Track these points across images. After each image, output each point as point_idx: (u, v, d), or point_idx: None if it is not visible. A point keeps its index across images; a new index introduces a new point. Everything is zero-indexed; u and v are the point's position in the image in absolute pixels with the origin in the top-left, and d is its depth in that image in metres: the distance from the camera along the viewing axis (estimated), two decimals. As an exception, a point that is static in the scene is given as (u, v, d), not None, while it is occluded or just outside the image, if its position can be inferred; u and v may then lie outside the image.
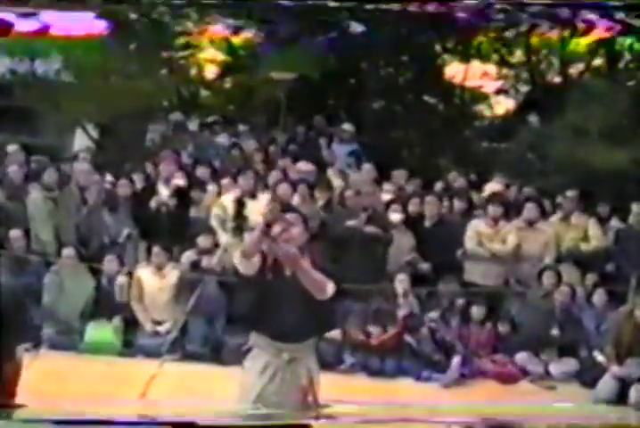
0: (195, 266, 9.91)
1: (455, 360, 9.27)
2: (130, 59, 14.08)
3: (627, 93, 13.75)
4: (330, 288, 5.43)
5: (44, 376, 7.79)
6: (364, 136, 14.06)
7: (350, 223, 10.03)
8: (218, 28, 16.05)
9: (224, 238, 10.05)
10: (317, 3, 13.13)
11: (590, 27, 16.14)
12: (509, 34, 16.56)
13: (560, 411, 8.26)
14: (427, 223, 10.46)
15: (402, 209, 10.43)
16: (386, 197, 11.00)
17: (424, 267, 10.26)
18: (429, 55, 16.42)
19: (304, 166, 11.48)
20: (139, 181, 11.14)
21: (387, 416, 6.85)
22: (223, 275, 9.67)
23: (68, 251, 9.72)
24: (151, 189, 10.96)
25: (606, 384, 8.93)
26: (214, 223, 10.23)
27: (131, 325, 9.66)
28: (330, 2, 13.21)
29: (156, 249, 9.77)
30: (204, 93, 16.59)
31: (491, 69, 16.94)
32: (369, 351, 9.40)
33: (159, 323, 9.64)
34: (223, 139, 13.62)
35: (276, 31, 15.30)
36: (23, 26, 14.06)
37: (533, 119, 14.57)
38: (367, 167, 11.77)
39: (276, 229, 5.32)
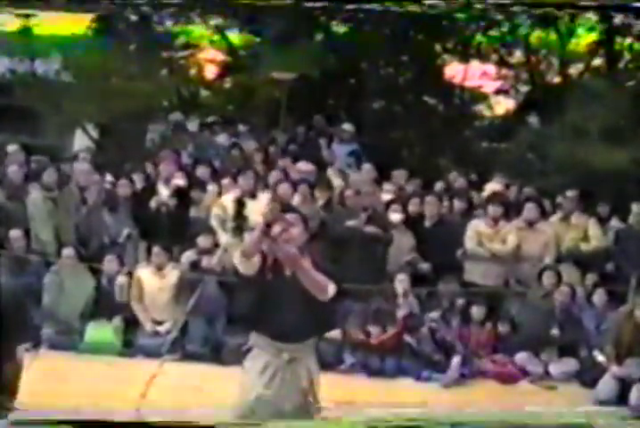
0: (195, 266, 9.91)
1: (455, 360, 9.27)
2: (130, 59, 14.08)
3: (626, 93, 13.76)
4: (331, 289, 5.43)
5: (44, 376, 7.79)
6: (364, 136, 14.06)
7: (350, 223, 10.03)
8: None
9: (224, 238, 10.05)
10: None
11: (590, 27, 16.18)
12: (509, 34, 16.59)
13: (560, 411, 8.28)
14: (427, 223, 10.47)
15: (402, 209, 10.43)
16: (386, 197, 11.00)
17: (424, 267, 10.26)
18: (429, 55, 16.43)
19: (304, 166, 11.48)
20: (139, 181, 11.14)
21: (387, 416, 6.86)
22: (223, 275, 9.67)
23: (68, 251, 9.72)
24: (151, 189, 10.96)
25: (606, 384, 8.93)
26: (214, 223, 10.23)
27: (131, 325, 9.65)
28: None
29: (156, 249, 9.77)
30: (204, 93, 16.60)
31: (491, 69, 16.95)
32: (369, 351, 9.39)
33: (159, 323, 9.64)
34: (223, 139, 13.62)
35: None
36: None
37: (533, 119, 14.59)
38: (367, 167, 11.77)
39: (276, 229, 5.32)
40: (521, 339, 9.59)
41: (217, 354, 9.38)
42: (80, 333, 9.51)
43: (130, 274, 9.82)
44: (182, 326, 9.52)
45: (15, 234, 9.83)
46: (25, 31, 14.38)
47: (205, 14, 16.07)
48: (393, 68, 16.55)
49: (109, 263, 9.85)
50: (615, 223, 11.08)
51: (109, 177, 11.39)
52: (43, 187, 10.30)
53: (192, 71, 16.17)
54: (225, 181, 10.98)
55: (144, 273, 9.73)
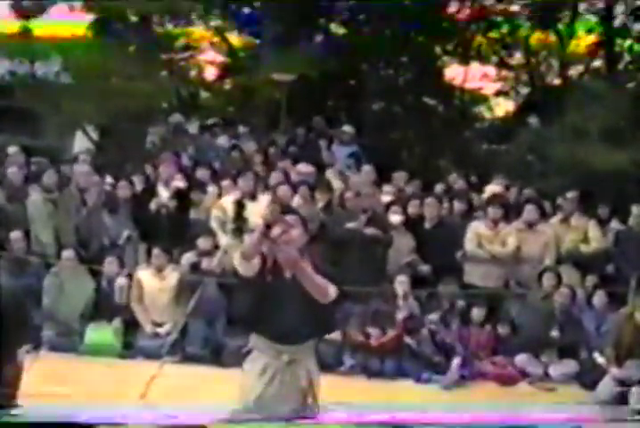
0: (195, 267, 9.91)
1: (455, 362, 9.27)
2: (130, 61, 14.09)
3: (626, 94, 13.78)
4: (332, 291, 5.43)
5: (44, 378, 7.78)
6: (364, 138, 14.08)
7: (350, 225, 10.02)
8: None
9: (224, 240, 10.04)
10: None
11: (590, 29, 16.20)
12: (509, 36, 16.62)
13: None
14: (427, 225, 10.46)
15: (402, 210, 10.43)
16: (386, 199, 11.00)
17: (424, 268, 10.26)
18: (429, 57, 16.45)
19: (304, 167, 11.48)
20: (139, 183, 11.14)
21: (386, 418, 6.85)
22: (223, 277, 9.67)
23: (68, 253, 9.72)
24: (151, 191, 10.96)
25: (606, 386, 8.92)
26: (214, 225, 10.23)
27: (131, 326, 9.65)
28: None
29: (156, 250, 9.77)
30: (204, 94, 16.64)
31: (491, 70, 16.99)
32: (369, 353, 9.39)
33: (159, 324, 9.64)
34: (223, 141, 13.62)
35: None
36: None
37: (533, 120, 14.58)
38: (367, 168, 11.77)
39: (276, 231, 5.32)
40: (520, 340, 9.59)
41: (217, 356, 9.38)
42: (80, 335, 9.50)
43: (130, 275, 9.82)
44: (182, 328, 9.51)
45: (15, 235, 9.83)
46: (25, 33, 14.40)
47: (205, 16, 16.10)
48: (393, 69, 16.59)
49: (109, 265, 9.85)
50: (615, 224, 11.08)
51: (109, 179, 11.40)
52: (43, 189, 10.31)
53: (192, 73, 16.22)
54: (225, 183, 10.98)
55: (144, 274, 9.73)
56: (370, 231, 10.00)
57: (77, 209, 10.44)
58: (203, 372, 9.07)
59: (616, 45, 16.05)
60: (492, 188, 11.80)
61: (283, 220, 5.41)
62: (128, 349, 9.53)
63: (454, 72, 16.77)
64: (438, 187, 11.83)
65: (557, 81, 16.79)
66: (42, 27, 14.46)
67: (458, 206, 10.93)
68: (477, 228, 10.27)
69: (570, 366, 9.44)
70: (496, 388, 9.27)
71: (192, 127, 14.58)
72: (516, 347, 9.56)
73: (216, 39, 16.41)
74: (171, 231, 10.37)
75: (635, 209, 10.75)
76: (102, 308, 9.73)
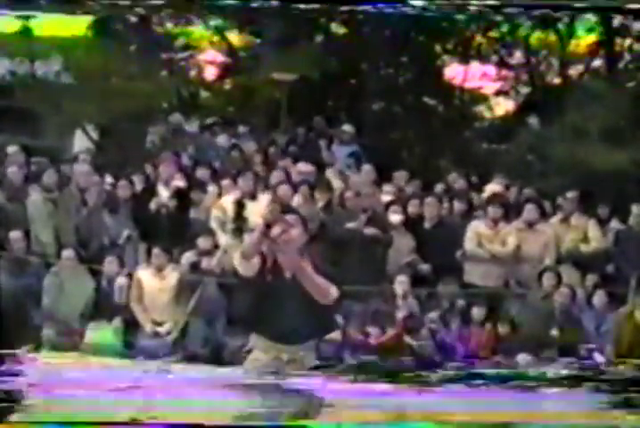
0: (195, 267, 9.92)
1: (456, 361, 9.27)
2: (130, 60, 14.09)
3: (626, 94, 13.77)
4: (333, 292, 5.42)
5: (44, 377, 7.78)
6: (364, 138, 14.06)
7: (350, 224, 10.03)
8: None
9: (224, 239, 10.05)
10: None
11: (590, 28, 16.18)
12: (509, 35, 16.60)
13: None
14: (427, 224, 10.47)
15: (402, 210, 10.43)
16: (386, 198, 11.00)
17: (424, 268, 10.26)
18: (429, 56, 16.44)
19: (304, 167, 11.47)
20: (139, 182, 11.14)
21: (386, 417, 6.85)
22: (223, 277, 9.67)
23: (68, 253, 9.72)
24: (151, 190, 10.96)
25: (606, 386, 8.92)
26: (214, 224, 10.24)
27: (131, 326, 9.65)
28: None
29: (156, 250, 9.77)
30: (204, 94, 16.61)
31: (491, 70, 16.96)
32: (369, 352, 9.39)
33: (159, 324, 9.64)
34: (223, 140, 13.61)
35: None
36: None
37: (533, 120, 14.58)
38: (367, 168, 11.76)
39: (276, 230, 5.32)
40: (521, 340, 9.59)
41: (217, 355, 9.38)
42: (80, 335, 9.51)
43: (130, 275, 9.82)
44: (182, 328, 9.52)
45: (15, 235, 9.83)
46: (25, 32, 14.40)
47: (205, 15, 16.08)
48: (393, 69, 16.56)
49: (109, 264, 9.85)
50: (615, 224, 11.08)
51: (109, 179, 11.39)
52: (43, 188, 10.31)
53: (192, 73, 16.19)
54: (225, 182, 10.98)
55: (144, 274, 9.73)
56: (370, 231, 10.01)
57: (77, 209, 10.44)
58: (203, 371, 9.07)
59: (616, 44, 16.05)
60: (492, 188, 11.80)
61: (282, 220, 5.40)
62: (128, 348, 9.53)
63: (453, 72, 16.75)
64: (439, 187, 11.83)
65: (557, 81, 16.76)
66: (42, 26, 14.45)
67: (458, 206, 10.93)
68: (477, 228, 10.27)
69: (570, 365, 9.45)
70: (496, 387, 9.26)
71: (192, 127, 14.57)
72: (516, 346, 9.56)
73: (216, 39, 16.40)
74: (171, 231, 10.37)
75: (635, 208, 10.75)
76: (102, 307, 9.73)
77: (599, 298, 9.88)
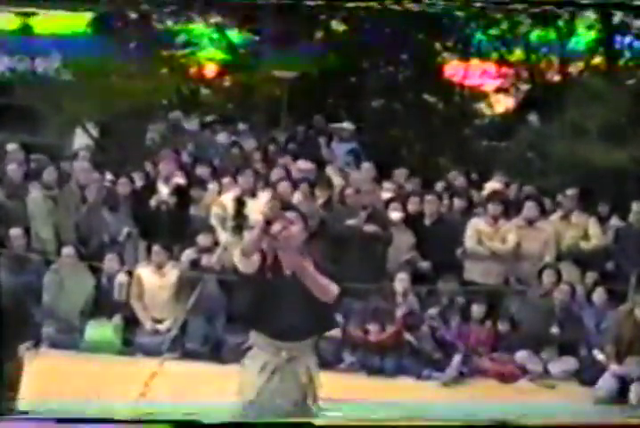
0: (195, 264, 9.92)
1: (456, 359, 9.27)
2: (130, 58, 14.08)
3: (626, 91, 13.75)
4: (335, 291, 5.42)
5: (44, 375, 7.79)
6: (363, 135, 14.08)
7: (350, 222, 10.02)
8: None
9: (224, 237, 10.05)
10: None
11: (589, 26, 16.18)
12: (509, 33, 16.60)
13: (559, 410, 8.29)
14: (427, 221, 10.47)
15: (402, 207, 10.43)
16: (386, 196, 11.00)
17: (424, 265, 10.26)
18: (428, 54, 16.44)
19: (303, 164, 11.48)
20: (139, 180, 11.15)
21: (386, 415, 6.87)
22: (223, 274, 9.67)
23: (68, 250, 9.72)
24: (151, 188, 10.97)
25: (606, 383, 8.93)
26: (214, 221, 10.24)
27: (131, 323, 9.66)
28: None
29: (156, 247, 9.78)
30: (204, 91, 16.61)
31: (491, 67, 16.95)
32: (369, 350, 9.40)
33: (159, 321, 9.64)
34: (223, 138, 13.62)
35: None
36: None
37: (533, 117, 14.58)
38: (367, 165, 11.76)
39: (276, 227, 5.32)
40: (520, 337, 9.59)
41: (216, 352, 9.39)
42: (80, 332, 9.52)
43: (130, 272, 9.83)
44: (182, 325, 9.52)
45: (15, 232, 9.83)
46: (25, 30, 14.39)
47: (205, 13, 16.08)
48: (393, 66, 16.57)
49: (109, 262, 9.86)
50: (615, 221, 11.08)
51: (109, 176, 11.40)
52: (43, 186, 10.31)
53: (192, 70, 16.18)
54: (225, 180, 10.98)
55: (144, 271, 9.74)
56: (370, 228, 10.00)
57: (77, 206, 10.45)
58: (203, 368, 9.08)
59: (616, 42, 16.04)
60: (492, 185, 11.80)
61: (282, 217, 5.40)
62: (128, 345, 9.54)
63: (453, 69, 16.75)
64: (439, 184, 11.82)
65: (557, 78, 16.74)
66: (42, 23, 14.45)
67: (458, 203, 10.93)
68: (477, 225, 10.27)
69: (569, 362, 9.45)
70: (495, 385, 9.28)
71: (192, 124, 14.57)
72: (516, 344, 9.56)
73: (216, 36, 16.39)
74: (171, 228, 10.37)
75: (635, 206, 10.74)
76: (102, 304, 9.74)
77: (599, 295, 9.88)
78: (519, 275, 10.28)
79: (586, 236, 10.48)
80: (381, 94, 16.11)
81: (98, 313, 9.70)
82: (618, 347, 9.13)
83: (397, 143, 15.58)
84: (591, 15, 16.07)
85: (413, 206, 10.53)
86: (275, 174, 11.06)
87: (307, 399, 5.58)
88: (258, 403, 5.46)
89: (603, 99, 12.92)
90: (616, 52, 16.04)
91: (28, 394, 6.93)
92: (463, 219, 10.56)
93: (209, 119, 14.98)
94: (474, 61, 16.77)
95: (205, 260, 9.88)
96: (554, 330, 9.47)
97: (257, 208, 9.36)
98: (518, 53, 16.96)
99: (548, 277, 9.74)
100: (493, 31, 16.72)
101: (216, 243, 10.02)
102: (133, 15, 15.10)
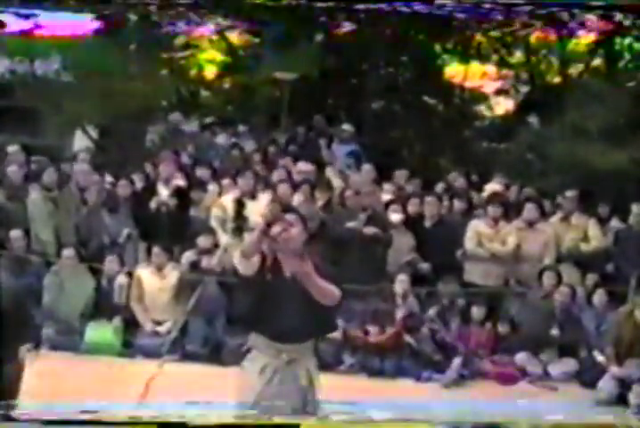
0: (195, 266, 9.92)
1: (456, 361, 9.27)
2: (130, 59, 14.08)
3: (626, 93, 13.76)
4: (337, 295, 5.41)
5: (43, 376, 7.79)
6: (363, 137, 14.06)
7: (350, 223, 10.02)
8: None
9: (224, 238, 10.05)
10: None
11: (589, 27, 16.18)
12: (508, 34, 16.60)
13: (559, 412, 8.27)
14: (427, 223, 10.47)
15: (402, 209, 10.43)
16: (386, 197, 11.00)
17: (424, 267, 10.26)
18: (429, 55, 16.45)
19: (304, 166, 11.48)
20: (139, 181, 11.15)
21: (386, 417, 6.86)
22: (223, 276, 9.67)
23: (68, 252, 9.72)
24: (151, 189, 10.96)
25: (606, 385, 8.93)
26: (214, 223, 10.24)
27: (131, 325, 9.66)
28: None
29: (156, 249, 9.78)
30: (204, 93, 16.61)
31: (491, 69, 16.96)
32: (369, 352, 9.39)
33: (159, 323, 9.64)
34: (222, 139, 13.61)
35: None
36: (21, 26, 14.12)
37: (533, 119, 14.59)
38: (367, 167, 11.75)
39: (276, 229, 5.32)
40: (520, 339, 9.59)
41: (217, 354, 9.39)
42: (80, 334, 9.51)
43: (130, 274, 9.83)
44: (182, 327, 9.52)
45: (15, 234, 9.83)
46: (25, 31, 14.38)
47: (205, 15, 16.08)
48: (393, 68, 16.57)
49: (109, 263, 9.86)
50: (615, 223, 11.08)
51: (109, 178, 11.39)
52: (43, 188, 10.31)
53: (192, 71, 16.19)
54: (225, 181, 10.99)
55: (144, 273, 9.74)
56: (370, 229, 10.00)
57: (77, 208, 10.45)
58: (203, 370, 9.07)
59: (616, 43, 16.05)
60: (492, 187, 11.81)
61: (282, 219, 5.40)
62: (128, 347, 9.54)
63: (453, 71, 16.76)
64: (439, 186, 11.83)
65: (557, 80, 16.76)
66: (42, 25, 14.44)
67: (458, 205, 10.93)
68: (477, 227, 10.27)
69: (570, 364, 9.45)
70: (495, 387, 9.28)
71: (192, 126, 14.57)
72: (516, 346, 9.56)
73: (215, 38, 16.39)
74: (171, 229, 10.37)
75: (635, 207, 10.74)
76: (102, 306, 9.74)
77: (599, 297, 9.87)
78: (519, 276, 10.28)
79: (586, 238, 10.48)
80: (381, 95, 16.10)
81: (98, 315, 9.70)
82: (618, 348, 9.13)
83: (398, 144, 15.58)
84: (591, 17, 16.07)
85: (413, 207, 10.54)
86: (275, 175, 11.07)
87: (307, 401, 5.57)
88: (258, 405, 5.46)
89: (602, 101, 12.93)
90: (616, 54, 16.05)
91: (29, 396, 6.91)
92: (463, 221, 10.56)
93: (208, 120, 14.97)
94: (474, 63, 16.78)
95: (205, 262, 9.88)
96: (555, 332, 9.47)
97: (257, 209, 9.39)
98: (518, 55, 16.98)
99: (548, 279, 9.74)
100: (493, 33, 16.72)
101: (216, 245, 10.02)
102: (133, 17, 15.10)
